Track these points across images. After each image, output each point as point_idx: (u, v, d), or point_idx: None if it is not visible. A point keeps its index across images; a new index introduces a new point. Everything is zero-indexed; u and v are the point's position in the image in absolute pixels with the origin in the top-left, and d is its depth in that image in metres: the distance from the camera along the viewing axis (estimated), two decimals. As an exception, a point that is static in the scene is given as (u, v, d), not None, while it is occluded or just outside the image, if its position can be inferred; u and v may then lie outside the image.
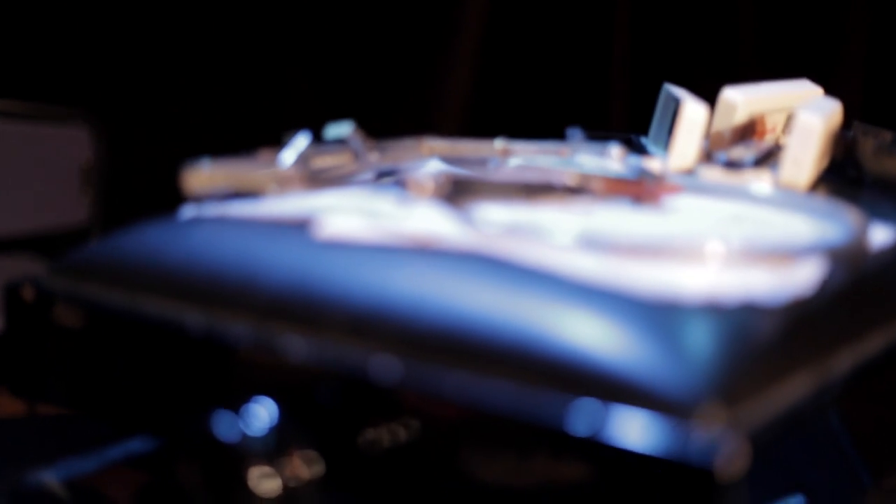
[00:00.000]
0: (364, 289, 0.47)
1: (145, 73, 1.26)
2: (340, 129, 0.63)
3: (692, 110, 0.65)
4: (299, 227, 0.52)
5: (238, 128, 1.23)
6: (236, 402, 0.47)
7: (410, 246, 0.50)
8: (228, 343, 0.48)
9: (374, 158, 0.64)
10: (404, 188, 0.51)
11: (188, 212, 0.56)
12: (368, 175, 0.63)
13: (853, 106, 0.80)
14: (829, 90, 1.07)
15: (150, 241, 0.53)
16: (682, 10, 1.17)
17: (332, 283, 0.48)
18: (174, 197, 0.56)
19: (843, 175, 0.68)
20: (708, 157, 0.67)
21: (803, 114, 0.61)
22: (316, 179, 0.53)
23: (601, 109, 1.18)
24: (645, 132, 0.76)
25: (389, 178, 0.64)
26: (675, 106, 0.69)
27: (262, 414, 0.46)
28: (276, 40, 1.17)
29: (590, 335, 0.43)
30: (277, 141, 1.09)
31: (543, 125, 1.15)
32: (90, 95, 1.27)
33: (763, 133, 0.72)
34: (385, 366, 0.44)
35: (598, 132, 0.74)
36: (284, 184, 0.53)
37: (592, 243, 0.48)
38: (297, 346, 0.46)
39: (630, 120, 1.16)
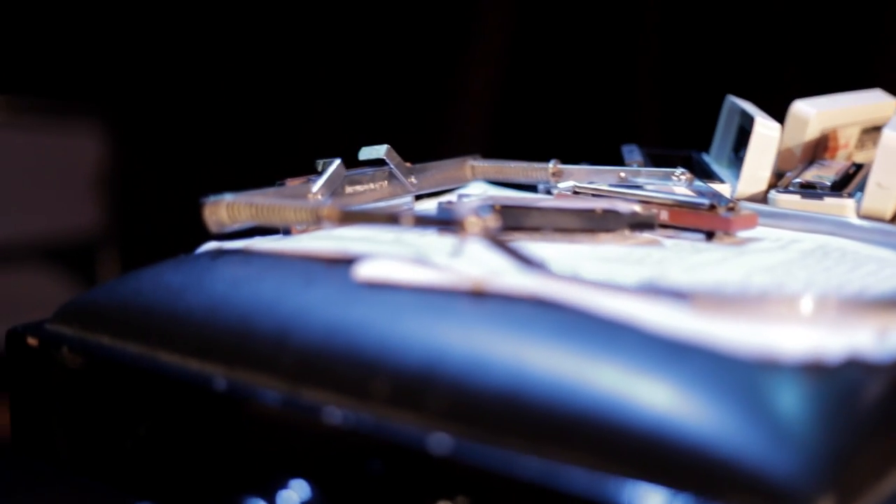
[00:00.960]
0: (412, 346, 0.41)
1: (161, 71, 1.20)
2: (375, 151, 0.57)
3: (765, 128, 0.59)
4: (334, 269, 0.46)
5: (257, 134, 1.18)
6: (265, 479, 0.42)
7: (462, 290, 0.44)
8: (256, 409, 0.43)
9: (414, 181, 0.58)
10: (450, 225, 0.45)
11: (209, 249, 0.50)
12: (408, 199, 0.58)
13: None
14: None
15: (168, 284, 0.48)
16: (711, 16, 1.10)
17: (375, 339, 0.42)
18: (192, 211, 0.51)
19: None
20: (779, 177, 0.61)
21: (890, 132, 0.55)
22: (352, 214, 0.47)
23: (629, 122, 1.12)
24: (680, 145, 0.70)
25: (431, 204, 0.59)
26: (743, 121, 0.63)
27: (295, 493, 0.40)
28: (297, 56, 1.11)
29: (674, 407, 0.37)
30: (301, 151, 1.03)
31: (572, 141, 1.10)
32: (105, 93, 1.22)
33: (835, 150, 0.66)
34: (436, 441, 0.38)
35: (656, 149, 0.68)
36: (317, 218, 0.47)
37: (670, 291, 0.42)
38: (335, 415, 0.40)
39: (662, 133, 1.10)
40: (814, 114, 0.64)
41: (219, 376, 0.44)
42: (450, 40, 1.10)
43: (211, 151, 1.18)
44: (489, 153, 0.72)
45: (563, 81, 1.13)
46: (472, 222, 0.44)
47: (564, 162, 0.61)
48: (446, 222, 0.45)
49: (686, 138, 0.83)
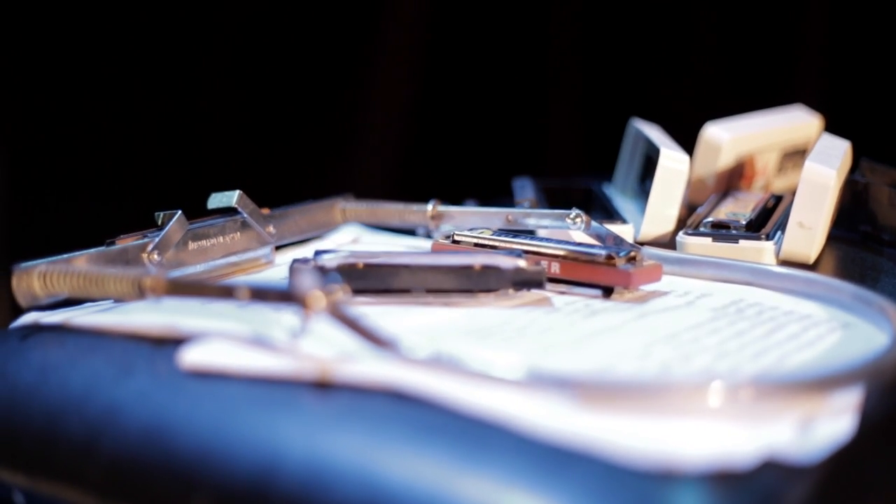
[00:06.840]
0: (241, 455, 0.34)
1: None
2: (225, 198, 0.49)
3: (672, 161, 0.52)
4: (160, 351, 0.39)
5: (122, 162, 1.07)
6: None
7: (304, 380, 0.36)
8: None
9: (272, 231, 0.51)
10: (291, 301, 0.37)
11: (25, 324, 0.43)
12: (266, 251, 0.50)
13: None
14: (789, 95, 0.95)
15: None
16: (633, 19, 1.03)
17: (198, 445, 0.35)
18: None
19: (854, 230, 0.55)
20: (691, 210, 0.54)
21: (812, 165, 0.48)
22: (180, 285, 0.40)
23: (535, 151, 1.05)
24: (590, 167, 0.64)
25: (295, 254, 0.51)
26: (648, 150, 0.56)
27: None
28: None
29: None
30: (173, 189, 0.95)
31: (472, 172, 1.03)
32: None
33: (752, 177, 0.59)
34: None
35: (551, 180, 0.61)
36: (140, 291, 0.40)
37: (552, 379, 0.35)
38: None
39: (568, 160, 1.03)
40: (727, 139, 0.57)
41: (17, 489, 0.37)
42: (351, 72, 1.03)
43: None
44: (392, 189, 0.65)
45: (468, 109, 1.06)
46: (316, 297, 0.37)
47: (457, 198, 0.55)
48: (286, 297, 0.37)
49: (593, 164, 0.77)
